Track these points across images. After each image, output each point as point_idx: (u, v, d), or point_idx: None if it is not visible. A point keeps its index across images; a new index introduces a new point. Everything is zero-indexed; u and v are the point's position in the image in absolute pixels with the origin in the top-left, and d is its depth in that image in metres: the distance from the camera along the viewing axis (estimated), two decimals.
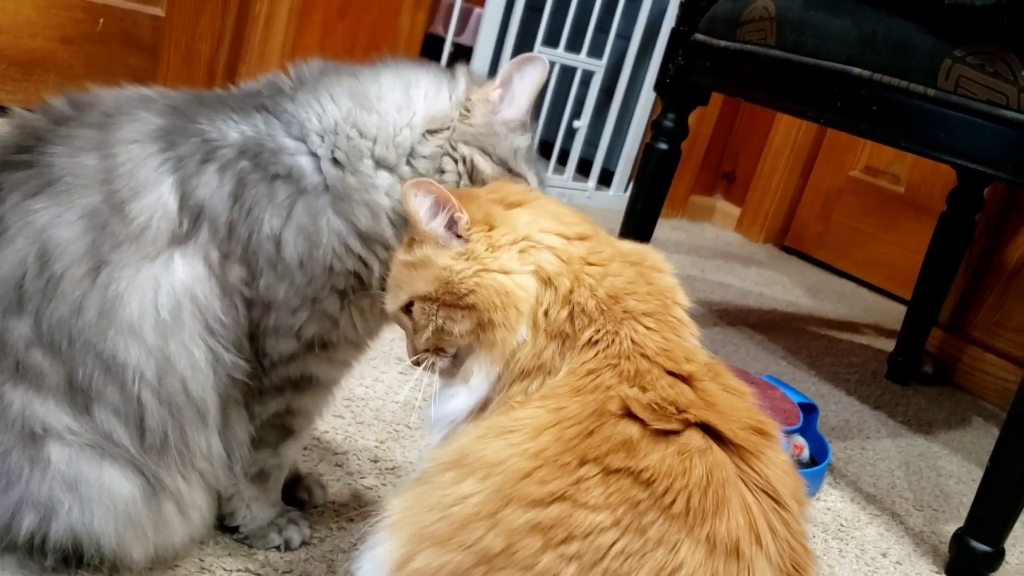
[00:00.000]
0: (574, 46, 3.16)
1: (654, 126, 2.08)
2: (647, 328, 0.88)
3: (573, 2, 3.10)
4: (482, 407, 0.91)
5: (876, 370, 2.63)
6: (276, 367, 1.11)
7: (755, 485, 0.81)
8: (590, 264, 0.92)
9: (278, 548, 1.22)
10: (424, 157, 1.09)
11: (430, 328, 0.93)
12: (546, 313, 0.89)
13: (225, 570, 1.17)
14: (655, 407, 0.82)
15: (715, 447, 0.81)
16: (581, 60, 3.19)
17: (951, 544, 1.62)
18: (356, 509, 1.35)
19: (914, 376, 2.60)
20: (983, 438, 2.32)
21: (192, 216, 1.02)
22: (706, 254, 3.47)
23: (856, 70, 1.59)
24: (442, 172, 1.10)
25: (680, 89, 2.04)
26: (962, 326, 2.69)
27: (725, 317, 2.77)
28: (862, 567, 1.59)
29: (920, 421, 2.33)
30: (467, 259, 0.91)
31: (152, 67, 2.59)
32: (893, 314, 3.11)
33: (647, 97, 3.38)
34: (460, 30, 3.11)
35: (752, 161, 3.87)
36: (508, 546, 0.77)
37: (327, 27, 2.74)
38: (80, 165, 1.01)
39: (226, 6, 2.65)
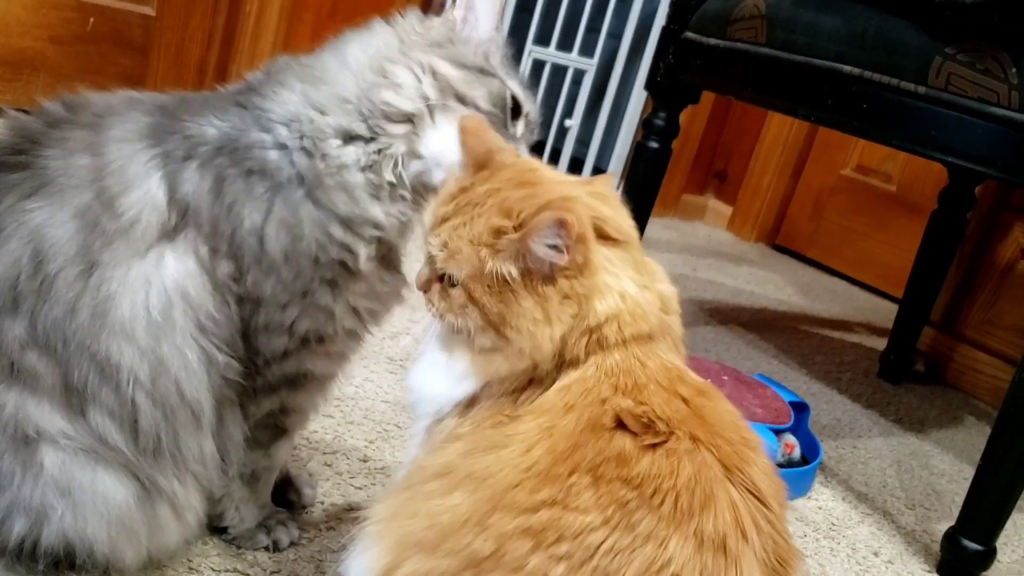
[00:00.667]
0: (565, 45, 3.15)
1: (645, 125, 2.07)
2: (648, 351, 0.87)
3: (564, 1, 3.09)
4: (469, 403, 0.90)
5: (868, 369, 2.63)
6: (270, 365, 1.10)
7: (740, 484, 0.81)
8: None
9: (266, 549, 1.21)
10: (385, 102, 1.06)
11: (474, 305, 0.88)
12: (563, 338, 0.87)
13: (213, 570, 1.16)
14: (648, 422, 0.81)
15: (702, 448, 0.81)
16: (572, 59, 3.18)
17: (943, 543, 1.62)
18: (345, 509, 1.34)
19: (906, 375, 2.60)
20: (975, 436, 2.32)
21: (180, 211, 1.02)
22: (698, 253, 3.47)
23: (847, 68, 1.59)
24: (398, 88, 1.06)
25: (671, 88, 2.04)
26: (954, 324, 2.69)
27: (716, 316, 2.77)
28: (853, 566, 1.58)
29: (912, 419, 2.33)
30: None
31: (142, 67, 2.58)
32: (885, 312, 3.11)
33: (639, 96, 3.37)
34: None
35: (744, 160, 3.87)
36: (497, 549, 0.77)
37: (318, 26, 2.73)
38: (73, 165, 1.01)
39: (216, 5, 2.63)
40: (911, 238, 2.67)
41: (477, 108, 1.06)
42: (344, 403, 1.61)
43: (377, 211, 1.07)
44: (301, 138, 1.05)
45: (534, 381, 0.87)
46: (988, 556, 1.57)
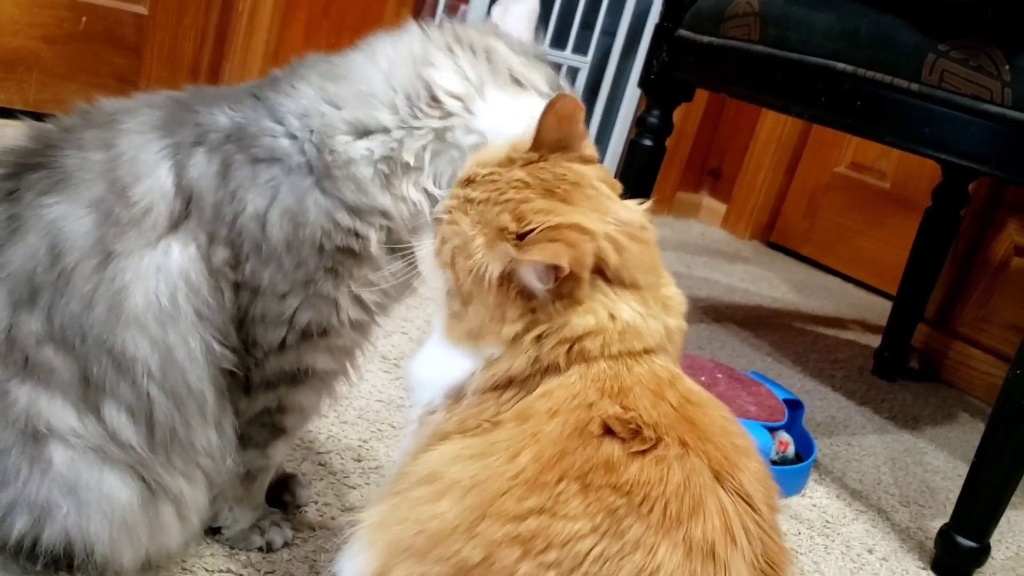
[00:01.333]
0: (559, 43, 3.14)
1: (639, 122, 2.07)
2: (639, 360, 0.87)
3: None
4: (457, 397, 0.90)
5: (862, 366, 2.63)
6: (268, 358, 1.10)
7: (731, 489, 0.80)
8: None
9: (260, 549, 1.21)
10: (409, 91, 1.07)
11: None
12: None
13: (207, 570, 1.16)
14: (636, 428, 0.81)
15: (691, 454, 0.80)
16: (566, 57, 3.18)
17: (937, 540, 1.62)
18: (339, 509, 1.34)
19: (900, 372, 2.61)
20: (969, 433, 2.32)
21: (184, 198, 1.02)
22: (692, 250, 3.47)
23: (840, 65, 1.59)
24: (445, 70, 1.07)
25: (664, 85, 2.04)
26: (948, 322, 2.69)
27: (711, 313, 2.77)
28: (848, 564, 1.58)
29: (906, 417, 2.34)
30: None
31: (135, 66, 2.58)
32: (879, 310, 3.11)
33: (632, 94, 3.37)
34: None
35: (738, 157, 3.87)
36: (486, 557, 0.77)
37: (311, 24, 2.72)
38: (88, 160, 1.02)
39: (209, 4, 2.63)
40: (905, 235, 2.67)
41: (538, 91, 1.07)
42: (338, 402, 1.61)
43: (387, 201, 1.07)
44: (311, 132, 1.05)
45: (514, 381, 0.87)
46: (982, 553, 1.58)
